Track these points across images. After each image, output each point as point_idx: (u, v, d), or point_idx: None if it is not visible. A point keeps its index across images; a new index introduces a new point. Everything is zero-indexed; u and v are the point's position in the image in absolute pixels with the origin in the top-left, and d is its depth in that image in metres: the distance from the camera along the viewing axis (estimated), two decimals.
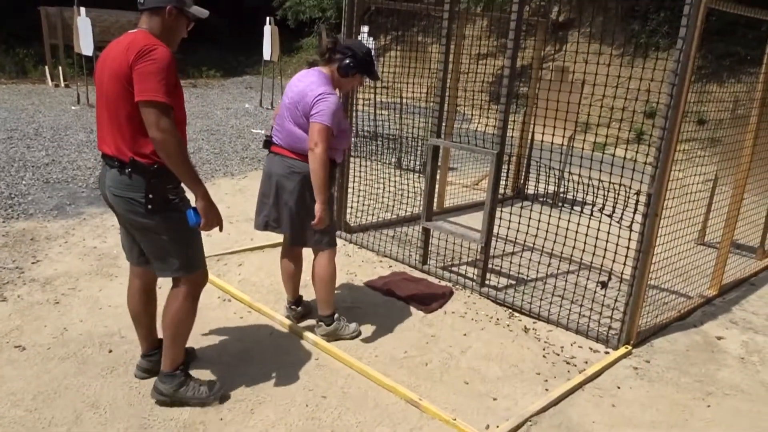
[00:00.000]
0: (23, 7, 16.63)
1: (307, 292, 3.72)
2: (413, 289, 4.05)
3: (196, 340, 3.17)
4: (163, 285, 2.81)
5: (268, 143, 3.25)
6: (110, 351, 3.14)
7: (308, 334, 3.39)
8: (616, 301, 3.78)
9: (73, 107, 11.16)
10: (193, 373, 2.87)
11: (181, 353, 2.74)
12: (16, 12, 17.01)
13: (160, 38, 2.40)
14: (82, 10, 10.71)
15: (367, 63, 3.15)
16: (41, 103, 11.49)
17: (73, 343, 3.19)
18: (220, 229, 2.57)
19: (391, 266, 4.54)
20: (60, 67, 14.65)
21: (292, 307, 3.58)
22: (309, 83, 3.06)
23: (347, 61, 3.10)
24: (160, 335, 2.88)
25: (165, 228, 2.49)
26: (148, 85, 2.25)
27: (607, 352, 3.49)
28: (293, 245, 3.38)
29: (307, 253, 3.42)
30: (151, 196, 2.41)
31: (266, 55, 12.51)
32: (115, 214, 2.63)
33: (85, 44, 10.65)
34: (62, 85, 14.24)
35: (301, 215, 3.16)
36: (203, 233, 2.63)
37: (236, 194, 6.27)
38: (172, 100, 2.33)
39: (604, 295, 3.98)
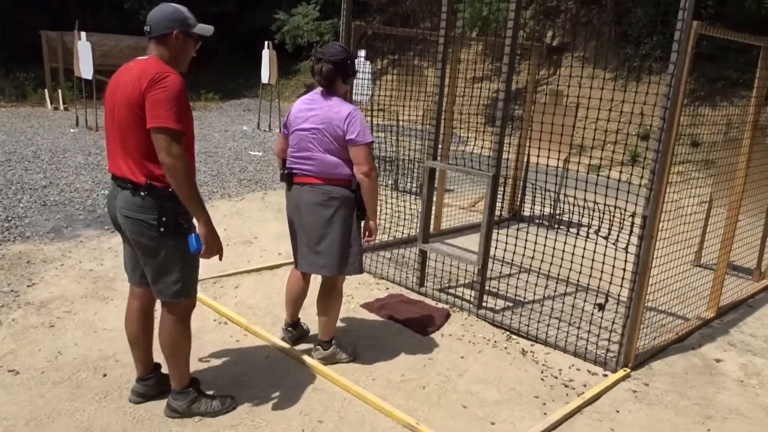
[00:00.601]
0: (24, 31, 16.80)
1: (304, 314, 3.71)
2: (410, 312, 4.04)
3: (192, 363, 3.14)
4: (159, 308, 2.79)
5: (289, 176, 3.15)
6: (105, 375, 3.12)
7: (305, 358, 3.37)
8: (613, 323, 3.78)
9: (71, 130, 11.20)
10: None
11: (186, 372, 2.77)
12: (17, 36, 17.18)
13: (170, 63, 2.47)
14: (83, 34, 10.83)
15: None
16: (40, 125, 11.54)
17: (68, 367, 3.16)
18: (220, 258, 2.59)
19: (387, 288, 4.54)
20: (59, 91, 14.74)
21: (289, 329, 3.55)
22: (329, 108, 3.01)
23: (354, 67, 3.11)
24: (156, 359, 2.88)
25: (172, 251, 2.52)
26: (159, 112, 2.31)
27: (605, 375, 3.47)
28: (329, 275, 3.19)
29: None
30: (164, 219, 2.45)
31: (264, 78, 12.62)
32: (122, 235, 2.66)
33: (85, 68, 10.75)
34: (61, 108, 14.32)
35: (343, 240, 3.10)
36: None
37: (233, 216, 6.28)
38: (183, 125, 2.38)
39: (602, 317, 3.97)
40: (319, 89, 3.14)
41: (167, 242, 2.49)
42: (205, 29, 2.57)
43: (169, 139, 2.32)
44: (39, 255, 4.79)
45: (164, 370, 2.86)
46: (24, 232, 5.32)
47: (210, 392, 2.91)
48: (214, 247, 2.53)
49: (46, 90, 14.94)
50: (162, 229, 2.46)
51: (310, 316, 3.68)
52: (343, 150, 3.02)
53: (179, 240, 2.50)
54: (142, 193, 2.43)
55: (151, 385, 2.87)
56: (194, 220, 2.50)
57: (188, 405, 2.75)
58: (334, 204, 3.06)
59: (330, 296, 3.25)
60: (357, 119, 2.99)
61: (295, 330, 3.57)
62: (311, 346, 3.44)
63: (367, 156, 3.00)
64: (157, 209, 2.45)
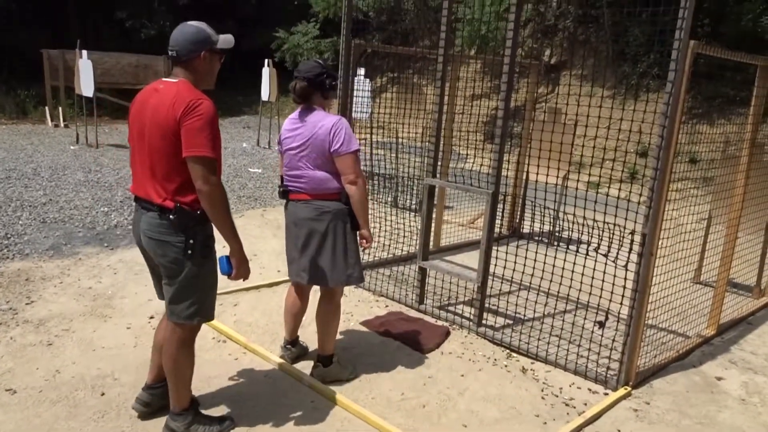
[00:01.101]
0: (26, 49, 16.94)
1: (303, 332, 3.70)
2: (410, 329, 4.03)
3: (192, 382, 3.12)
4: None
5: (285, 193, 3.21)
6: (102, 394, 3.10)
7: (304, 376, 3.35)
8: (613, 341, 3.76)
9: (71, 147, 11.24)
10: None
11: (187, 394, 2.75)
12: (19, 54, 17.32)
13: (199, 82, 2.53)
14: (84, 52, 10.91)
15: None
16: (40, 143, 11.58)
17: (65, 386, 3.14)
18: (245, 280, 2.68)
19: (387, 306, 4.52)
20: (60, 108, 14.82)
21: (288, 346, 3.54)
22: (313, 125, 3.04)
23: (332, 82, 3.13)
24: None
25: (194, 275, 2.54)
26: (196, 141, 2.35)
27: (606, 393, 3.45)
28: (331, 286, 3.22)
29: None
30: (191, 242, 2.48)
31: (264, 95, 12.70)
32: (145, 256, 2.69)
33: (86, 86, 10.81)
34: (62, 125, 14.38)
35: (338, 251, 3.13)
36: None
37: None
38: (217, 152, 2.43)
39: (602, 335, 3.96)
40: (299, 109, 3.18)
41: (190, 265, 2.52)
42: (227, 42, 2.59)
43: (207, 167, 2.37)
44: (38, 272, 4.78)
45: None
46: (23, 249, 5.31)
47: (209, 414, 2.89)
48: (244, 273, 2.61)
49: (46, 107, 15.01)
50: (189, 252, 2.49)
51: (310, 335, 3.67)
52: (331, 163, 3.06)
53: (202, 263, 2.55)
54: (171, 216, 2.45)
55: (157, 395, 2.87)
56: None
57: (186, 427, 2.72)
58: (327, 218, 3.09)
59: (328, 310, 3.26)
60: (341, 129, 3.01)
61: (295, 348, 3.56)
62: (311, 363, 3.43)
63: (352, 165, 3.03)
64: (184, 232, 2.47)
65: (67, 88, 14.57)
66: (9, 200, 6.87)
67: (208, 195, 2.39)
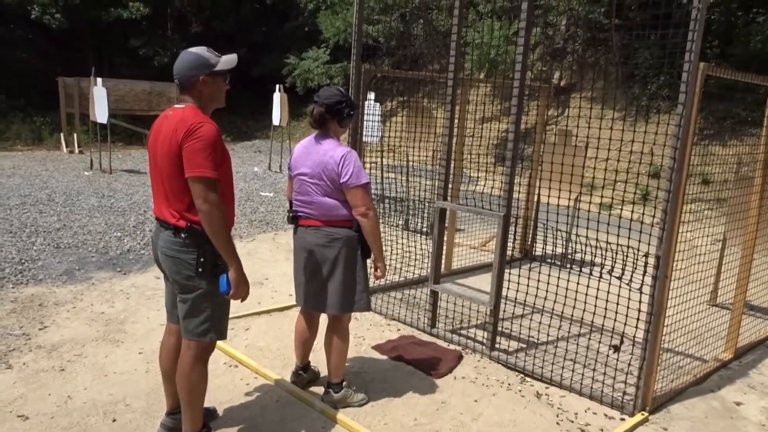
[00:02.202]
0: (42, 78, 17.28)
1: (314, 356, 3.67)
2: (422, 354, 3.99)
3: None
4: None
5: (294, 218, 3.22)
6: (114, 420, 3.08)
7: (316, 402, 3.33)
8: (629, 365, 3.71)
9: (86, 173, 11.38)
10: None
11: (200, 415, 2.77)
12: (35, 83, 17.66)
13: (206, 105, 2.62)
14: (99, 80, 11.10)
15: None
16: (55, 168, 11.74)
17: (77, 412, 3.14)
18: (243, 300, 2.67)
19: (399, 330, 4.49)
20: (75, 134, 15.04)
21: (300, 372, 3.52)
22: (324, 153, 3.05)
23: (350, 111, 3.13)
24: None
25: (206, 292, 2.60)
26: (195, 161, 2.44)
27: (623, 419, 3.39)
28: (338, 313, 3.20)
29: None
30: (202, 260, 2.56)
31: (275, 120, 12.83)
32: (164, 273, 2.76)
33: (101, 112, 10.99)
34: (76, 151, 14.58)
35: (347, 278, 3.13)
36: None
37: (244, 257, 6.24)
38: (220, 172, 2.50)
39: (617, 359, 3.90)
40: (313, 135, 3.20)
41: (202, 282, 2.59)
42: (228, 63, 2.65)
43: (205, 187, 2.44)
44: (51, 298, 4.80)
45: None
46: (37, 274, 5.35)
47: None
48: (242, 292, 2.62)
49: (61, 134, 15.26)
50: (200, 270, 2.56)
51: (321, 360, 3.65)
52: (340, 192, 3.06)
53: (213, 281, 2.60)
54: (183, 235, 2.54)
55: (180, 419, 2.86)
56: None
57: None
58: (338, 245, 3.09)
59: (337, 336, 3.25)
60: (350, 161, 3.01)
61: (306, 373, 3.53)
62: (323, 389, 3.40)
63: (362, 197, 3.02)
64: (196, 250, 2.55)
65: (82, 115, 14.83)
66: (24, 226, 6.95)
67: (207, 213, 2.45)
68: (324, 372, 3.53)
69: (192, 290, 2.60)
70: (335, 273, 3.12)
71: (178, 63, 2.59)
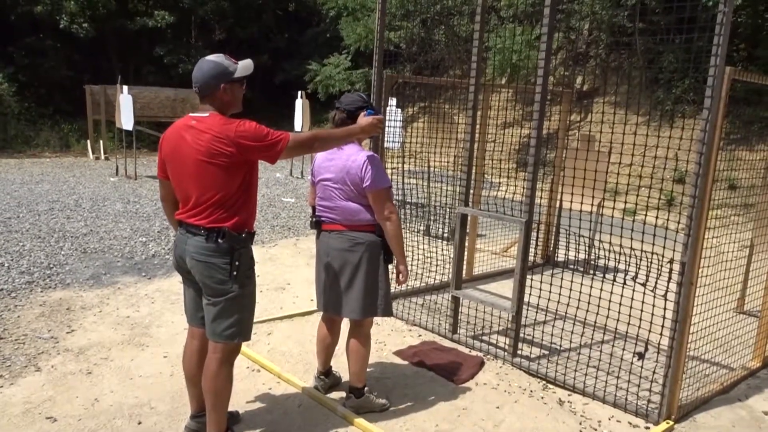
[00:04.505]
0: (69, 86, 17.66)
1: (336, 361, 3.69)
2: (443, 360, 3.98)
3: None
4: None
5: (318, 223, 3.25)
6: (140, 423, 3.13)
7: (338, 407, 3.34)
8: (654, 372, 3.66)
9: (111, 179, 11.58)
10: None
11: (224, 418, 2.79)
12: (63, 91, 18.05)
13: (227, 111, 2.68)
14: (125, 87, 11.31)
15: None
16: (82, 175, 11.97)
17: (104, 415, 3.19)
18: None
19: (420, 335, 4.49)
20: (101, 141, 15.33)
21: (322, 377, 3.54)
22: (347, 157, 3.08)
23: (371, 111, 3.17)
24: None
25: (239, 294, 2.66)
26: (268, 142, 2.58)
27: (647, 428, 3.34)
28: (360, 318, 3.22)
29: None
30: (237, 263, 2.61)
31: (297, 126, 12.93)
32: (185, 278, 2.81)
33: (126, 119, 11.19)
34: (102, 157, 14.86)
35: (369, 283, 3.15)
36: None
37: (266, 262, 6.34)
38: (251, 173, 2.67)
39: (642, 367, 3.85)
40: None
41: (234, 286, 2.63)
42: (245, 69, 2.71)
43: (301, 143, 2.71)
44: (78, 302, 4.89)
45: None
46: (65, 279, 5.46)
47: None
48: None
49: (88, 141, 15.56)
50: (234, 273, 2.61)
51: (342, 364, 3.66)
52: (363, 196, 3.08)
53: (245, 284, 2.67)
54: (220, 240, 2.58)
55: (204, 422, 2.89)
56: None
57: None
58: (360, 249, 3.11)
59: (359, 341, 3.25)
60: (372, 165, 3.03)
61: (328, 378, 3.55)
62: (344, 394, 3.41)
63: (384, 201, 3.04)
64: (230, 254, 2.60)
65: (108, 122, 15.11)
66: (52, 231, 7.09)
67: (310, 143, 2.76)
68: (346, 377, 3.54)
69: (222, 293, 2.63)
70: (357, 277, 3.13)
71: (198, 72, 2.63)
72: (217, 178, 2.55)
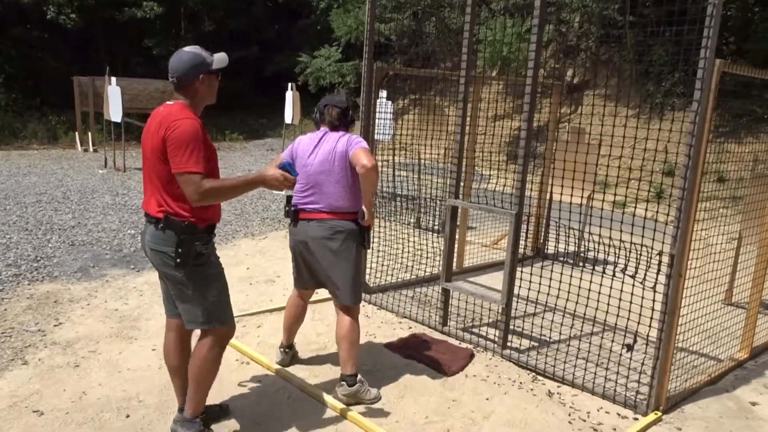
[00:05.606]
0: (57, 77, 17.46)
1: (327, 354, 3.69)
2: (433, 352, 3.99)
3: (214, 403, 3.13)
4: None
5: (295, 213, 3.31)
6: (127, 416, 3.11)
7: (327, 398, 3.33)
8: (642, 364, 3.68)
9: (100, 171, 11.48)
10: None
11: (203, 401, 2.81)
12: (51, 83, 17.84)
13: (200, 103, 2.67)
14: (113, 79, 11.19)
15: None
16: (70, 167, 11.85)
17: (91, 408, 3.17)
18: (284, 186, 2.66)
19: (410, 327, 4.49)
20: (89, 133, 15.18)
21: (286, 350, 3.71)
22: (336, 140, 3.27)
23: (352, 115, 3.45)
24: None
25: (191, 281, 2.64)
26: (180, 158, 2.46)
27: (636, 419, 3.37)
28: (352, 303, 3.34)
29: (328, 311, 3.40)
30: (180, 250, 2.58)
31: (288, 118, 12.87)
32: (155, 267, 2.80)
33: (115, 111, 11.08)
34: (91, 149, 14.71)
35: (354, 270, 3.30)
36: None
37: (256, 255, 6.32)
38: (206, 164, 2.52)
39: (630, 358, 3.87)
40: (321, 131, 3.40)
41: (184, 272, 2.61)
42: (221, 61, 2.70)
43: (194, 181, 2.46)
44: (66, 294, 4.85)
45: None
46: (52, 271, 5.41)
47: (213, 428, 2.93)
48: (272, 184, 2.63)
49: (76, 133, 15.40)
50: (178, 260, 2.59)
51: (333, 359, 3.66)
52: (351, 175, 3.23)
53: (199, 269, 2.64)
54: (161, 226, 2.58)
55: None
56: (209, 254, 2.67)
57: None
58: (340, 237, 3.25)
59: (348, 327, 3.32)
60: (356, 139, 3.28)
61: (290, 350, 3.75)
62: (328, 380, 3.41)
63: (366, 153, 3.20)
64: (174, 241, 2.58)
65: (97, 114, 14.96)
66: (39, 224, 7.02)
67: (203, 200, 2.48)
68: (336, 368, 3.54)
69: (179, 281, 2.64)
70: (338, 264, 3.25)
71: (178, 62, 2.61)
72: (161, 165, 2.54)
